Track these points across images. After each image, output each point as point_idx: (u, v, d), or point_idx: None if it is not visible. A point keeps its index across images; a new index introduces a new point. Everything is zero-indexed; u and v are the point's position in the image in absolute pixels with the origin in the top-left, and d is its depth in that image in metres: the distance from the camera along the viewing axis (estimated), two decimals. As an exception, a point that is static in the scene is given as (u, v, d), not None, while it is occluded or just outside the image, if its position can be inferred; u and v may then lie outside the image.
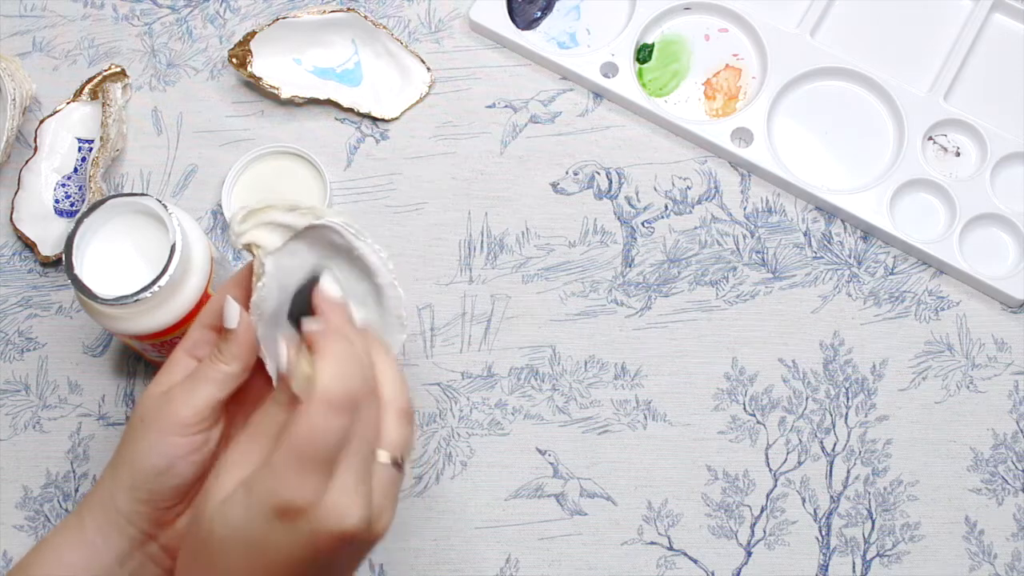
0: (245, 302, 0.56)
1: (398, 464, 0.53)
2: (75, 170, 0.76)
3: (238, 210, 0.56)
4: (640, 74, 0.80)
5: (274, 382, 0.57)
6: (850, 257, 0.75)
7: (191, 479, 0.57)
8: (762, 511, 0.70)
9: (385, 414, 0.53)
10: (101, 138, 0.74)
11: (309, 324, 0.53)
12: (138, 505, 0.57)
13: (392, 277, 0.58)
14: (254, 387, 0.58)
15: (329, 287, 0.56)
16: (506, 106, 0.79)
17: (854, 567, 0.69)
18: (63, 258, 0.62)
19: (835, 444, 0.71)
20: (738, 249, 0.76)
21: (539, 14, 0.81)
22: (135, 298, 0.61)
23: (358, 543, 0.51)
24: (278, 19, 0.78)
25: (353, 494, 0.50)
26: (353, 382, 0.51)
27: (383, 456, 0.52)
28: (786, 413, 0.72)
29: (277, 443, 0.50)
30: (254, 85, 0.79)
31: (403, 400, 0.54)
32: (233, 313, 0.56)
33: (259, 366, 0.57)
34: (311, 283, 0.57)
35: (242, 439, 0.53)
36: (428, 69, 0.80)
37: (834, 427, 0.72)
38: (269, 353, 0.57)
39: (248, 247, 0.56)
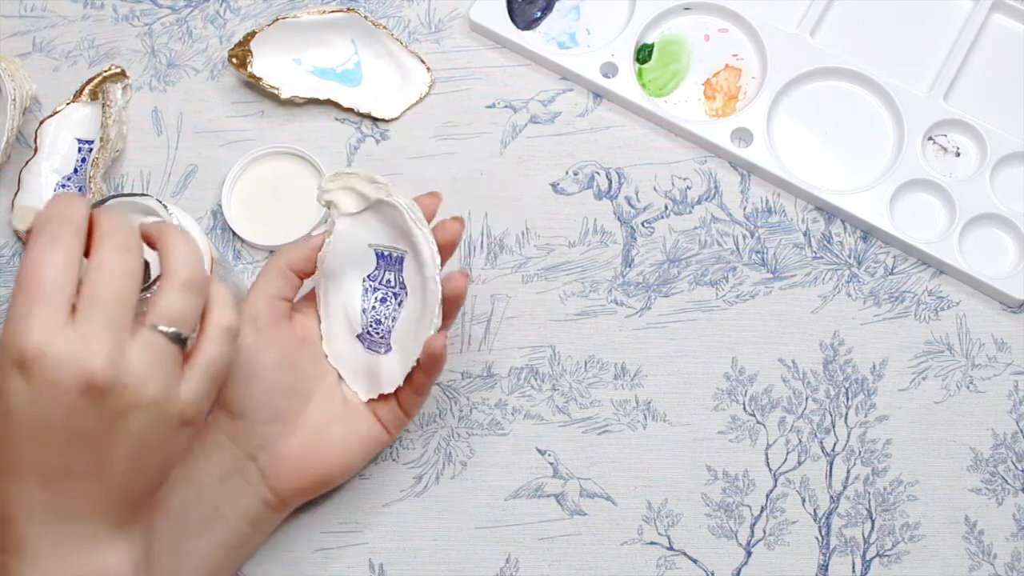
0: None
1: (180, 339, 0.51)
2: (75, 170, 0.76)
3: (332, 171, 0.65)
4: (640, 74, 0.80)
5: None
6: (850, 257, 0.75)
7: (278, 390, 0.63)
8: (762, 511, 0.70)
9: (164, 282, 0.52)
10: (101, 139, 0.74)
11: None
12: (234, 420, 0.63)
13: (436, 271, 0.62)
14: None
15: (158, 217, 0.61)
16: (506, 106, 0.79)
17: (854, 567, 0.69)
18: (63, 258, 0.62)
19: (835, 444, 0.71)
20: (738, 249, 0.76)
21: (539, 14, 0.81)
22: (135, 298, 0.61)
23: (112, 400, 0.49)
24: (278, 19, 0.78)
25: (92, 340, 0.49)
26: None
27: (156, 323, 0.51)
28: (786, 413, 0.72)
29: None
30: (254, 85, 0.79)
31: (187, 272, 0.52)
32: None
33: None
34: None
35: None
36: (428, 69, 0.80)
37: (834, 427, 0.72)
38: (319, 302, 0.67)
39: (328, 205, 0.64)
